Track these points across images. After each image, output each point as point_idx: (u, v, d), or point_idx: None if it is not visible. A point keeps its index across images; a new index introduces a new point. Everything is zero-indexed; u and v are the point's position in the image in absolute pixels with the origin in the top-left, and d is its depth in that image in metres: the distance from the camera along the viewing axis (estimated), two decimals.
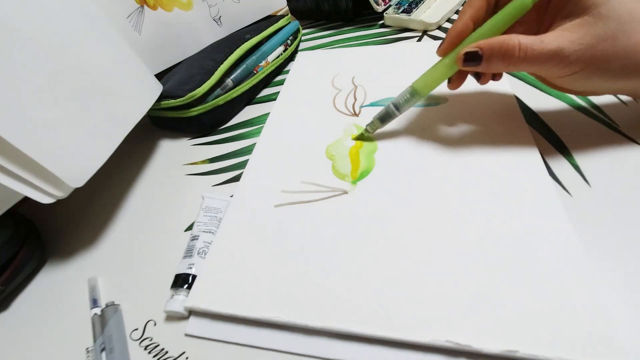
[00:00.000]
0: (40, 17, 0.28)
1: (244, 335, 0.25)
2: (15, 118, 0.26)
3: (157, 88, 0.41)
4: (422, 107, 0.39)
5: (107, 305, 0.28)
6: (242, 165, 0.39)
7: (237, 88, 0.44)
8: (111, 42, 0.35)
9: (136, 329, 0.27)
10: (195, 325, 0.26)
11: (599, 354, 0.20)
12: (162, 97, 0.41)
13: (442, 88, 0.41)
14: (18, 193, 0.28)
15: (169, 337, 0.26)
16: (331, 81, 0.46)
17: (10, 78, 0.26)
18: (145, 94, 0.39)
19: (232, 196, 0.34)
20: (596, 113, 0.34)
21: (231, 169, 0.39)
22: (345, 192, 0.32)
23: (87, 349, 0.27)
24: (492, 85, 0.39)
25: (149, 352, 0.26)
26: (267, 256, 0.29)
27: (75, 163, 0.30)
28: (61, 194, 0.29)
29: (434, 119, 0.37)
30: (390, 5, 0.58)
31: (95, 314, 0.28)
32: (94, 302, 0.29)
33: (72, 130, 0.30)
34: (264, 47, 0.48)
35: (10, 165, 0.26)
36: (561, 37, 0.25)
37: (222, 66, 0.43)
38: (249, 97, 0.48)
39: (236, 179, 0.37)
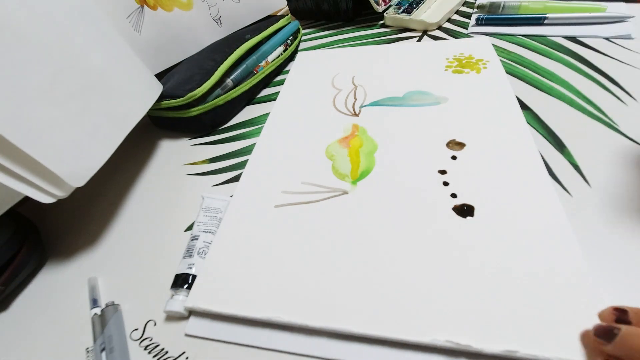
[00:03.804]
0: (41, 17, 0.28)
1: (244, 335, 0.25)
2: (17, 117, 0.26)
3: (157, 88, 0.41)
4: (422, 106, 0.39)
5: (107, 305, 0.28)
6: (242, 165, 0.38)
7: (237, 88, 0.44)
8: (111, 42, 0.35)
9: (136, 329, 0.27)
10: (195, 325, 0.26)
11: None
12: (162, 97, 0.41)
13: (443, 87, 0.41)
14: (19, 193, 0.28)
15: (169, 337, 0.26)
16: (331, 81, 0.46)
17: (11, 77, 0.26)
18: (145, 94, 0.39)
19: (232, 196, 0.34)
20: (596, 113, 0.34)
21: (231, 169, 0.39)
22: (346, 192, 0.32)
23: (87, 349, 0.27)
24: (492, 85, 0.39)
25: (149, 352, 0.26)
26: (267, 256, 0.29)
27: (76, 162, 0.30)
28: (62, 194, 0.29)
29: (434, 118, 0.37)
30: (390, 6, 0.58)
31: (95, 314, 0.28)
32: (94, 302, 0.29)
33: (73, 129, 0.30)
34: (264, 47, 0.48)
35: (11, 165, 0.26)
36: None
37: (222, 66, 0.43)
38: (249, 97, 0.48)
39: (236, 179, 0.37)
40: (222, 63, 0.43)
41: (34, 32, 0.28)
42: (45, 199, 0.29)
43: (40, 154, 0.27)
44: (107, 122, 0.33)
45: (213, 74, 0.42)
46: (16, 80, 0.26)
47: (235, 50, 0.45)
